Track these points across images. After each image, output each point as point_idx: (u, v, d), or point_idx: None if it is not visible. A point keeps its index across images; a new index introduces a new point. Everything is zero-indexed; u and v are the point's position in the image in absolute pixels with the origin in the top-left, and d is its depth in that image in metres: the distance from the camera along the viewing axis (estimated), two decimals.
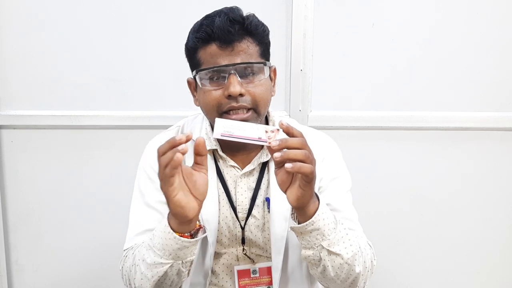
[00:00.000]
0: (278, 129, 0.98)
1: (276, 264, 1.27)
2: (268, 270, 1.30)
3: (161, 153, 0.95)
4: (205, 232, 1.12)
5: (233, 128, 0.99)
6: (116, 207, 1.92)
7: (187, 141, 0.93)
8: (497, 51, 1.90)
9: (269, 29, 1.24)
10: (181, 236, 1.05)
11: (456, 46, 1.90)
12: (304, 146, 0.97)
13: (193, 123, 1.37)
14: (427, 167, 1.99)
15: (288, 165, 0.94)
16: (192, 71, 1.25)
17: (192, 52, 1.21)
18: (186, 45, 1.23)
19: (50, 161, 1.96)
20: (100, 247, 2.01)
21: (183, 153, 0.93)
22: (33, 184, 1.98)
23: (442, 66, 1.91)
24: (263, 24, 1.22)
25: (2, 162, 1.96)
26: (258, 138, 0.98)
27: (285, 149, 0.96)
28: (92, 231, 2.01)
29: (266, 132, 0.98)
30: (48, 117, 1.90)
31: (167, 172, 0.94)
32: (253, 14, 1.20)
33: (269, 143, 0.97)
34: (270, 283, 1.30)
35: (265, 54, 1.23)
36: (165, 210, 1.26)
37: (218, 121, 1.00)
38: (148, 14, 1.86)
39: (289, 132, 0.98)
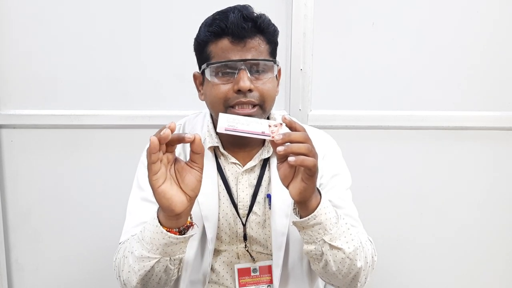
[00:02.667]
0: (281, 124, 0.99)
1: (276, 260, 1.27)
2: (269, 269, 1.31)
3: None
4: (196, 230, 1.12)
5: (236, 123, 1.00)
6: (116, 207, 1.91)
7: (173, 130, 0.94)
8: (498, 50, 1.91)
9: (279, 30, 1.27)
10: (168, 231, 1.05)
11: (456, 46, 1.90)
12: (307, 140, 0.98)
13: (194, 121, 1.38)
14: (427, 166, 1.99)
15: (291, 159, 0.95)
16: (199, 65, 1.26)
17: (202, 45, 1.22)
18: (197, 38, 1.25)
19: (50, 161, 1.95)
20: (100, 246, 2.00)
21: (161, 140, 0.93)
22: (33, 183, 1.97)
23: (442, 66, 1.91)
24: (273, 24, 1.24)
25: (2, 162, 1.96)
26: (262, 133, 0.99)
27: (288, 143, 0.97)
28: (92, 230, 2.01)
29: (270, 126, 0.99)
30: (48, 117, 1.90)
31: (148, 159, 0.95)
32: (265, 14, 1.23)
33: (273, 137, 0.98)
34: (271, 281, 1.30)
35: (273, 53, 1.26)
36: None
37: (222, 115, 1.01)
38: (149, 13, 1.86)
39: (291, 127, 0.99)
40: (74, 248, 2.02)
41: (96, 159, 1.96)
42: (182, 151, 1.32)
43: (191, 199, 1.03)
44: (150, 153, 0.94)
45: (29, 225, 2.01)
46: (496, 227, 2.05)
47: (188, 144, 0.99)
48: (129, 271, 1.12)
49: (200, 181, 1.03)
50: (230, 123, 1.00)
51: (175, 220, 1.05)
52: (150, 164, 0.95)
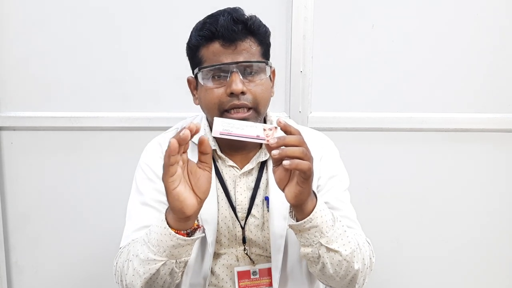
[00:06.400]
0: (276, 127, 0.99)
1: (275, 262, 1.27)
2: (268, 271, 1.31)
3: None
4: (203, 232, 1.12)
5: (231, 127, 1.00)
6: (116, 209, 1.91)
7: (192, 131, 0.94)
8: (497, 52, 1.90)
9: (270, 31, 1.27)
10: (177, 233, 1.04)
11: (456, 48, 1.90)
12: (301, 143, 0.98)
13: None
14: (427, 168, 1.99)
15: (285, 162, 0.95)
16: (193, 70, 1.27)
17: (194, 50, 1.23)
18: (188, 43, 1.25)
19: (50, 163, 1.96)
20: (99, 248, 2.00)
21: (181, 141, 0.93)
22: (33, 185, 1.97)
23: (441, 67, 1.91)
24: (264, 25, 1.24)
25: (2, 164, 1.96)
26: (257, 136, 0.99)
27: (282, 147, 0.97)
28: (91, 232, 2.01)
29: (264, 130, 0.99)
30: (48, 119, 1.90)
31: (166, 160, 0.95)
32: (255, 15, 1.23)
33: (267, 141, 0.98)
34: (270, 284, 1.30)
35: (266, 54, 1.26)
36: (163, 208, 1.26)
37: (217, 120, 1.01)
38: (148, 15, 1.86)
39: (286, 130, 0.99)
40: (74, 251, 2.02)
41: (96, 161, 1.96)
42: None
43: (201, 202, 1.03)
44: (169, 155, 0.93)
45: (28, 227, 2.01)
46: (496, 229, 2.04)
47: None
48: (133, 275, 1.12)
49: (210, 183, 1.04)
50: (225, 127, 1.00)
51: (184, 222, 1.05)
52: (168, 166, 0.95)
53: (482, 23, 1.88)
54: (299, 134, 1.00)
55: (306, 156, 0.97)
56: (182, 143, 0.94)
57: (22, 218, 2.00)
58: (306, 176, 0.98)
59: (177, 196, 0.98)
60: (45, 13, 1.84)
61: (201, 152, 1.00)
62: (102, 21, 1.86)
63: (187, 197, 1.00)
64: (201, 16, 1.26)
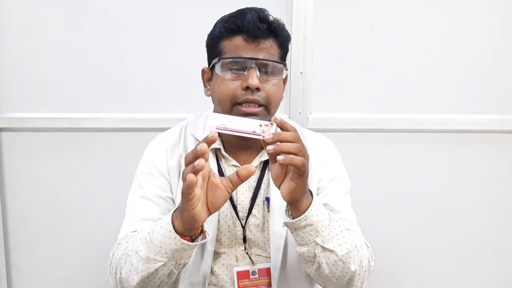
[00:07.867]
0: (272, 123, 1.00)
1: (275, 262, 1.27)
2: (268, 271, 1.31)
3: (186, 164, 0.95)
4: (205, 237, 1.12)
5: (228, 122, 1.01)
6: (116, 209, 1.90)
7: (209, 143, 0.94)
8: (497, 53, 1.90)
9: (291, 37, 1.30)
10: (182, 237, 1.04)
11: (456, 48, 1.90)
12: (296, 139, 0.99)
13: (196, 123, 1.38)
14: (427, 169, 1.98)
15: (280, 157, 0.96)
16: (210, 61, 1.28)
17: (216, 40, 1.25)
18: (211, 33, 1.28)
19: (50, 164, 1.96)
20: (99, 249, 1.99)
21: (199, 169, 0.92)
22: (33, 186, 1.97)
23: (441, 68, 1.91)
24: (287, 30, 1.27)
25: (2, 165, 1.96)
26: (253, 132, 1.00)
27: (278, 142, 0.97)
28: (91, 233, 2.00)
29: (260, 126, 1.00)
30: (48, 120, 1.90)
31: (184, 191, 0.95)
32: (280, 19, 1.25)
33: (263, 136, 0.99)
34: (269, 284, 1.30)
35: (283, 58, 1.29)
36: (163, 203, 1.29)
37: (214, 115, 1.02)
38: (148, 16, 1.86)
39: (282, 127, 1.01)
40: (74, 252, 2.02)
41: (96, 162, 1.96)
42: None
43: (210, 214, 1.03)
44: (187, 187, 0.93)
45: (29, 228, 2.01)
46: (496, 229, 2.04)
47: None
48: (130, 270, 1.12)
49: (225, 201, 1.04)
50: (221, 122, 1.01)
51: (190, 231, 1.05)
52: (186, 195, 0.95)
53: (482, 24, 1.88)
54: (295, 131, 1.01)
55: (301, 152, 0.98)
56: (201, 169, 0.93)
57: (22, 219, 2.00)
58: (300, 172, 0.99)
59: (193, 215, 0.98)
60: (45, 13, 1.85)
61: (239, 177, 1.00)
62: (102, 22, 1.86)
63: (201, 212, 1.00)
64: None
